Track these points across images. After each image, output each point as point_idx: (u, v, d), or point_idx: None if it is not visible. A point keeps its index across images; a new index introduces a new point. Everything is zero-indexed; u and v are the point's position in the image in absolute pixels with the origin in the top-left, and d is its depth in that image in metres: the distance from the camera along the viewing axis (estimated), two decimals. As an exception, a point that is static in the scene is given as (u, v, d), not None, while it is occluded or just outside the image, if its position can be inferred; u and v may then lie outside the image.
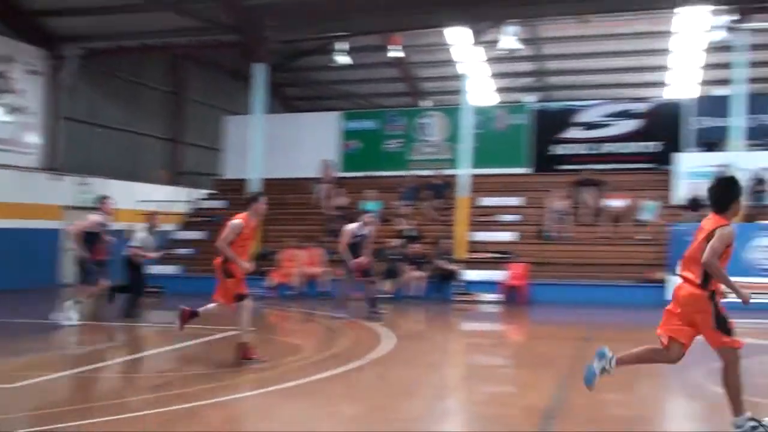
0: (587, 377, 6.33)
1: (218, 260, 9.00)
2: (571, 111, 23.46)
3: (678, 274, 6.17)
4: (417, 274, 18.65)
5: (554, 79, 25.94)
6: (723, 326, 5.93)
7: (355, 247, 13.98)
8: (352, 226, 14.33)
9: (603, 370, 6.33)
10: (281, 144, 23.39)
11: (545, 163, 23.23)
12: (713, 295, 5.91)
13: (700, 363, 9.54)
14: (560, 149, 23.29)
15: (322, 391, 7.79)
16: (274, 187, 21.07)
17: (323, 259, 19.24)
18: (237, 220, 8.97)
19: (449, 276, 18.88)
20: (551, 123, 23.44)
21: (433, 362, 10.10)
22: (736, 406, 5.97)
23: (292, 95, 29.05)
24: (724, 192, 6.11)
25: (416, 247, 19.30)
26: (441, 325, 15.11)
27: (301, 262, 19.29)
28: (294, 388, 7.67)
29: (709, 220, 6.04)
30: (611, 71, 24.64)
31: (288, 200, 22.63)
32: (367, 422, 6.71)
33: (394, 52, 22.45)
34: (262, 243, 20.34)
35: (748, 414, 5.95)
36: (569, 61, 24.48)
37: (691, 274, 5.94)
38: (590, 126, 23.09)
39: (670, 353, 6.18)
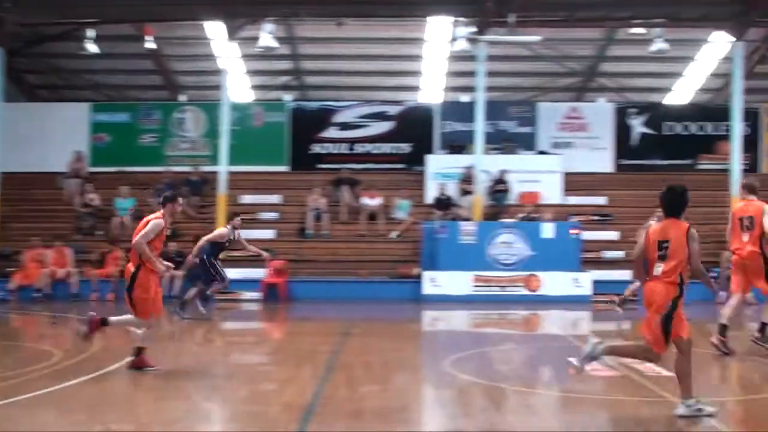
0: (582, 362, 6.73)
1: (129, 268, 8.49)
2: (329, 111, 23.99)
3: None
4: (174, 273, 18.10)
5: (312, 79, 26.30)
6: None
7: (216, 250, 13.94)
8: (222, 230, 14.40)
9: (593, 357, 6.74)
10: (24, 135, 21.70)
11: (304, 161, 23.55)
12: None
13: (448, 355, 10.17)
14: (318, 148, 23.73)
15: (73, 398, 7.32)
16: (15, 181, 19.52)
17: (72, 259, 18.12)
18: (158, 220, 8.44)
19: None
20: (309, 122, 23.81)
21: (191, 363, 9.86)
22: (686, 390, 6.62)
23: (36, 83, 26.95)
24: (678, 199, 6.94)
25: (173, 246, 18.71)
26: (200, 325, 14.78)
27: (48, 262, 18.02)
28: (42, 397, 7.15)
29: (671, 223, 6.75)
30: (368, 74, 25.45)
31: (33, 196, 21.08)
32: (122, 428, 6.42)
33: (149, 43, 21.60)
34: (2, 242, 18.77)
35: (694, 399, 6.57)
36: (327, 62, 24.94)
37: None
38: (347, 126, 23.75)
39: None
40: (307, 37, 23.10)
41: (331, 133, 23.78)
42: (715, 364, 9.75)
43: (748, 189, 10.32)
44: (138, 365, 8.52)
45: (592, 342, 6.72)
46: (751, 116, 22.82)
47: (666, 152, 23.63)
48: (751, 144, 22.70)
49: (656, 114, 23.99)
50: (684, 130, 23.79)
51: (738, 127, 20.14)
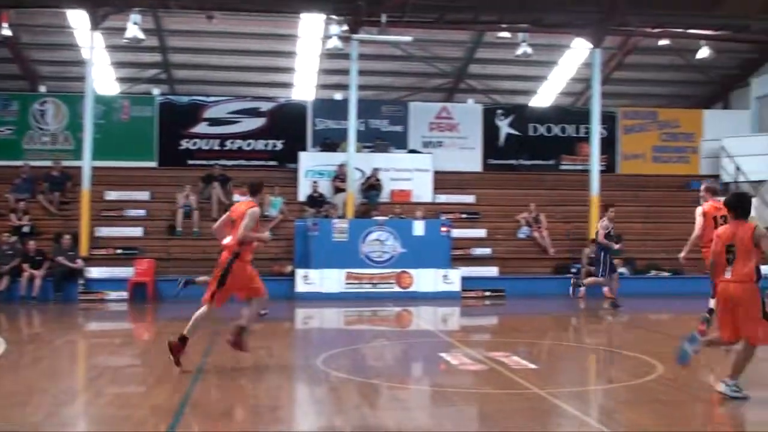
0: (681, 358, 7.75)
1: (227, 256, 8.64)
2: (199, 106, 23.49)
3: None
4: (34, 272, 17.30)
5: (182, 73, 25.65)
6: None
7: None
8: None
9: (696, 351, 7.70)
10: None
11: (173, 157, 22.97)
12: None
13: (320, 353, 10.20)
14: (188, 144, 23.21)
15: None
16: None
17: None
18: (255, 208, 8.73)
19: (72, 274, 17.80)
20: (179, 117, 23.25)
21: (53, 366, 9.45)
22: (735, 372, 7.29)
23: None
24: (746, 203, 7.55)
25: (33, 244, 17.89)
26: (63, 327, 14.17)
27: None
28: None
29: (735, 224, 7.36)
30: (240, 69, 25.07)
31: None
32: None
33: (5, 30, 20.44)
34: None
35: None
36: (197, 56, 24.38)
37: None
38: (218, 122, 23.34)
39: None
40: (177, 29, 22.54)
41: (202, 128, 23.30)
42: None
43: (712, 191, 11.69)
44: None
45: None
46: (609, 119, 24.07)
47: (531, 153, 24.55)
48: (608, 146, 23.95)
49: (522, 116, 24.85)
50: (547, 132, 24.78)
51: (596, 130, 21.16)
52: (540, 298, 18.31)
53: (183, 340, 8.68)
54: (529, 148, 24.57)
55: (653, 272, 20.44)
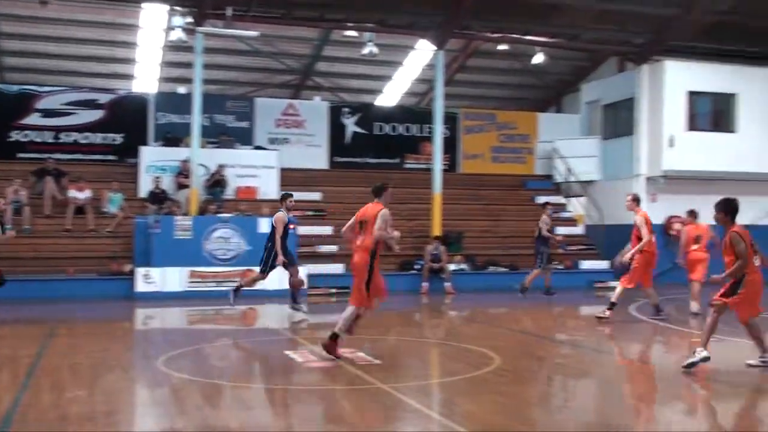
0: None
1: (365, 257, 8.97)
2: (31, 96, 22.18)
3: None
4: None
5: (12, 60, 24.12)
6: None
7: None
8: None
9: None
10: None
11: (2, 149, 21.58)
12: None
13: (161, 354, 9.92)
14: (19, 136, 21.88)
15: None
16: None
17: None
18: (385, 210, 9.12)
19: None
20: (8, 107, 21.87)
21: None
22: (761, 346, 8.65)
23: None
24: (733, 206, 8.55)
25: None
26: None
27: None
28: None
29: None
30: (76, 58, 23.89)
31: None
32: None
33: None
34: None
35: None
36: (30, 43, 23.02)
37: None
38: (51, 113, 22.16)
39: None
40: (7, 14, 21.18)
41: (34, 119, 22.01)
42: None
43: (694, 216, 14.24)
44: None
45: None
46: (451, 120, 24.80)
47: (376, 151, 24.92)
48: (450, 145, 24.69)
49: (368, 114, 25.17)
50: (392, 131, 25.23)
51: (439, 130, 21.75)
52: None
53: (334, 337, 9.05)
54: (374, 146, 24.93)
55: (491, 268, 21.27)
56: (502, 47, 23.27)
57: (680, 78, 22.22)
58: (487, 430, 6.40)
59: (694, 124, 22.42)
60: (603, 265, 21.31)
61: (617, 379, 9.20)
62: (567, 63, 26.18)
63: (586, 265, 21.81)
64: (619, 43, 23.25)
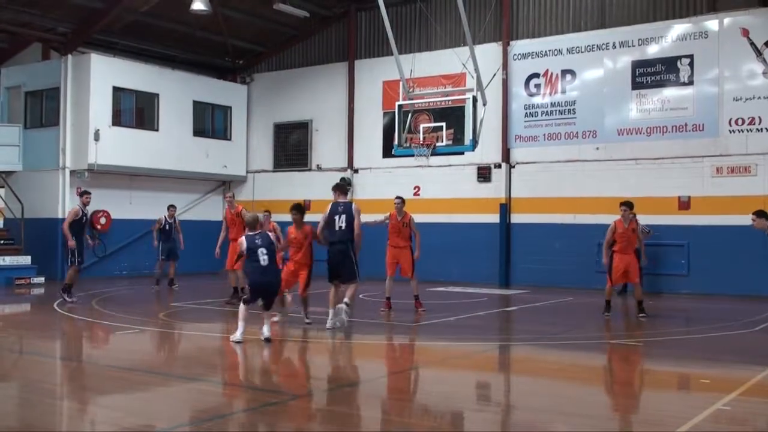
0: None
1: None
2: None
3: None
4: None
5: None
6: None
7: None
8: None
9: None
10: None
11: None
12: None
13: None
14: None
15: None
16: None
17: None
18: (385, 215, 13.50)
19: None
20: None
21: None
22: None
23: None
24: None
25: None
26: None
27: None
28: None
29: None
30: None
31: None
32: None
33: None
34: None
35: None
36: None
37: None
38: None
39: None
40: None
41: None
42: None
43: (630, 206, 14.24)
44: None
45: None
46: None
47: None
48: None
49: None
50: None
51: None
52: None
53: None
54: None
55: None
56: None
57: (105, 72, 22.26)
58: None
59: (119, 120, 22.73)
60: (26, 260, 20.33)
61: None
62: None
63: (8, 261, 20.50)
64: (43, 29, 22.26)
